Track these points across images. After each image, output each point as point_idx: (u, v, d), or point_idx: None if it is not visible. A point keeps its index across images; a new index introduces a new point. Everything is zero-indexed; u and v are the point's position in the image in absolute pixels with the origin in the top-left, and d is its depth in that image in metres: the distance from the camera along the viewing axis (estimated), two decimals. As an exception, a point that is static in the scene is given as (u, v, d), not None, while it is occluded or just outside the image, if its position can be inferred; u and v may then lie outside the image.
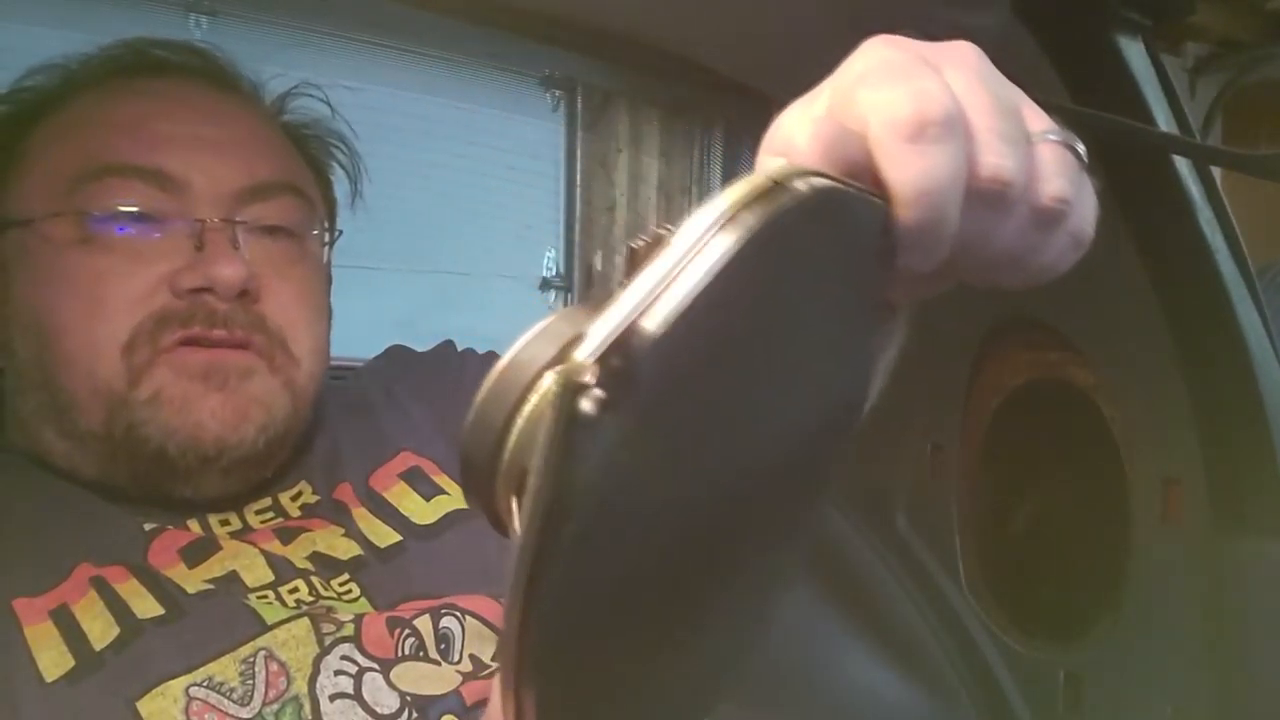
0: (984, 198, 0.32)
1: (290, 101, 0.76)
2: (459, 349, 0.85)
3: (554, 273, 2.78)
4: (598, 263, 2.84)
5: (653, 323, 0.24)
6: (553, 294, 2.79)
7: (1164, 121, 0.89)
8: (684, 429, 0.27)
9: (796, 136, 0.31)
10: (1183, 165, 0.88)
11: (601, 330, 0.24)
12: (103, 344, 0.63)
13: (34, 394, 0.67)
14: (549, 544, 0.25)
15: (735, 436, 0.29)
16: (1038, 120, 0.35)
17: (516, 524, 0.27)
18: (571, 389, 0.23)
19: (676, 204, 2.89)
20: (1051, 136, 0.34)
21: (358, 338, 0.75)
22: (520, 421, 0.28)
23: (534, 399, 0.28)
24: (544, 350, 0.28)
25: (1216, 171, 0.91)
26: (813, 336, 0.31)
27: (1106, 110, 0.86)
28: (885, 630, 1.14)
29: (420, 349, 0.85)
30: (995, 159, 0.32)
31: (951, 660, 1.12)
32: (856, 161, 0.31)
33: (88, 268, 0.64)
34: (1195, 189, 0.88)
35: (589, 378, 0.23)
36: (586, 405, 0.23)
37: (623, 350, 0.24)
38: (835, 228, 0.30)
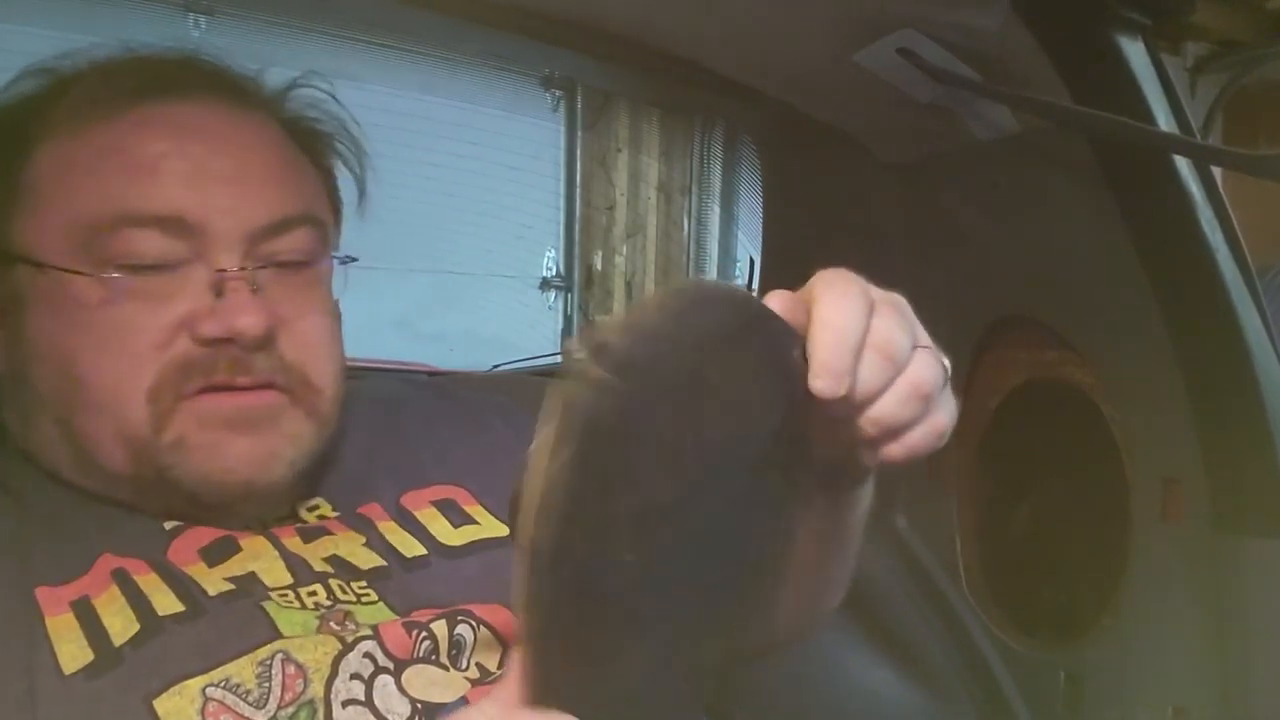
0: (878, 350, 0.47)
1: (295, 93, 0.74)
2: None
3: (554, 272, 2.78)
4: (598, 263, 2.85)
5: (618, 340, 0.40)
6: (553, 294, 2.79)
7: (1164, 121, 0.89)
8: (640, 443, 0.41)
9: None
10: (1183, 165, 0.88)
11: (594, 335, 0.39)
12: (127, 391, 0.63)
13: (51, 426, 0.66)
14: (557, 467, 0.39)
15: (681, 483, 0.42)
16: (924, 339, 0.50)
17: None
18: (578, 366, 0.39)
19: (676, 204, 2.89)
20: (930, 349, 0.50)
21: (357, 337, 0.74)
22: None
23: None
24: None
25: (1217, 171, 0.91)
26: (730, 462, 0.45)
27: (1107, 110, 0.86)
28: (885, 630, 1.14)
29: (420, 348, 0.85)
30: (889, 332, 0.48)
31: (951, 660, 1.12)
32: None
33: (107, 316, 0.63)
34: (1195, 189, 0.88)
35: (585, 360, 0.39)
36: (585, 377, 0.39)
37: (604, 351, 0.39)
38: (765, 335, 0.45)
